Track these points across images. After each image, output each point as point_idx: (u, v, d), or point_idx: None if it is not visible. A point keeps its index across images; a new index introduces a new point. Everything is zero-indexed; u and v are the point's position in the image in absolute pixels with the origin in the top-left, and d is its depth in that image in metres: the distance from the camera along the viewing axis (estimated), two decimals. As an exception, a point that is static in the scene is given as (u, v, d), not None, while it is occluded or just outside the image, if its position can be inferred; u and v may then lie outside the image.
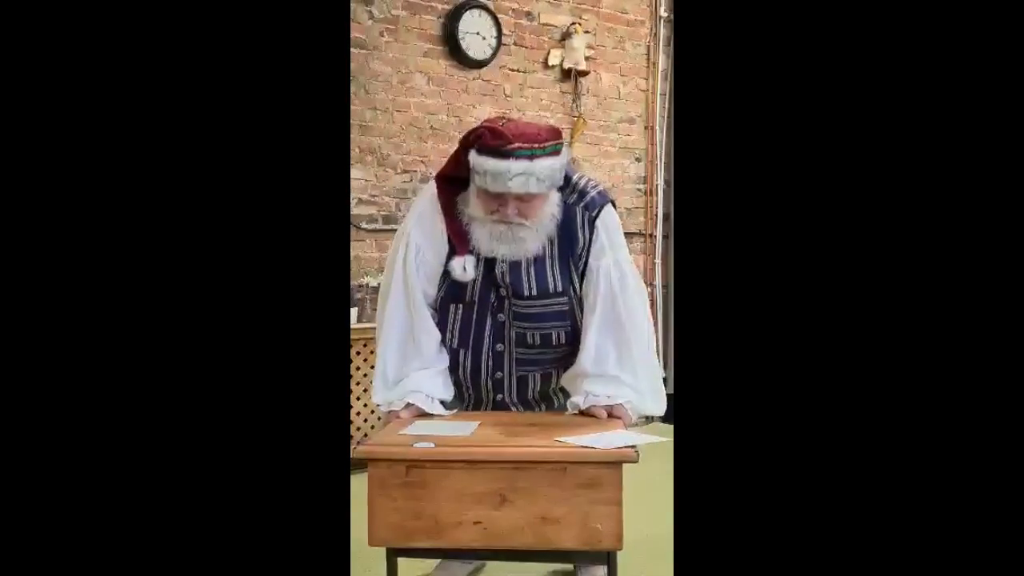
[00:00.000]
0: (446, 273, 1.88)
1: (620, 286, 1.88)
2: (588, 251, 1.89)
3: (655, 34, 4.49)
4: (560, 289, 1.89)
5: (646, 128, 4.52)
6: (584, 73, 4.21)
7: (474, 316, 1.91)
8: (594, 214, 1.89)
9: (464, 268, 1.84)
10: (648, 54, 4.49)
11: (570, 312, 1.91)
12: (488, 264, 1.86)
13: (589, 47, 4.23)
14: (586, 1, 4.29)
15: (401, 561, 1.62)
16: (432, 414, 1.86)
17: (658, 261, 4.54)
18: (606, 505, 1.52)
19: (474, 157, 1.75)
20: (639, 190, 4.53)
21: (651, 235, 4.55)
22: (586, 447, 1.55)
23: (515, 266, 1.86)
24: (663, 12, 4.48)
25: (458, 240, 1.84)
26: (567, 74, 4.19)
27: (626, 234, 4.43)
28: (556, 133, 1.80)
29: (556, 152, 1.77)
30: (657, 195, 4.53)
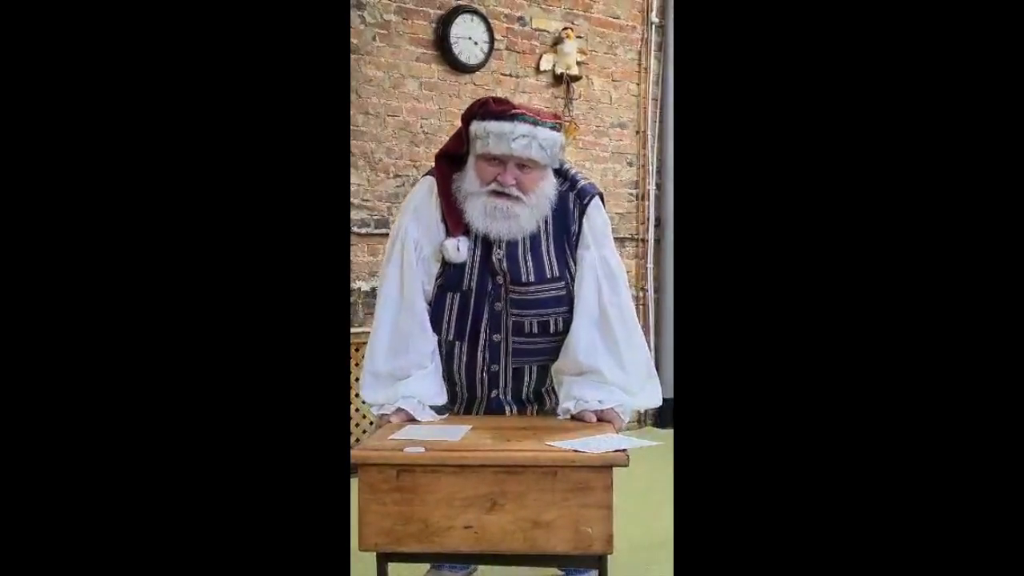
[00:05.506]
0: (443, 263, 1.89)
1: (607, 282, 1.90)
2: (578, 239, 1.92)
3: (646, 39, 4.50)
4: (557, 274, 1.90)
5: (637, 133, 4.53)
6: (576, 78, 4.22)
7: (471, 305, 1.91)
8: (585, 202, 1.92)
9: (457, 248, 1.85)
10: (639, 59, 4.51)
11: (567, 298, 1.91)
12: (485, 251, 1.87)
13: (581, 52, 4.24)
14: (578, 6, 4.30)
15: (392, 566, 1.62)
16: (421, 421, 1.85)
17: (650, 265, 4.55)
18: (596, 509, 1.53)
19: (476, 124, 1.80)
20: (631, 195, 4.54)
21: (643, 239, 4.56)
22: (576, 451, 1.55)
23: (512, 252, 1.87)
24: (654, 18, 4.49)
25: (452, 219, 1.86)
26: (559, 79, 4.20)
27: (618, 239, 4.48)
28: (556, 116, 1.89)
29: (556, 129, 1.85)
30: (649, 199, 4.54)
